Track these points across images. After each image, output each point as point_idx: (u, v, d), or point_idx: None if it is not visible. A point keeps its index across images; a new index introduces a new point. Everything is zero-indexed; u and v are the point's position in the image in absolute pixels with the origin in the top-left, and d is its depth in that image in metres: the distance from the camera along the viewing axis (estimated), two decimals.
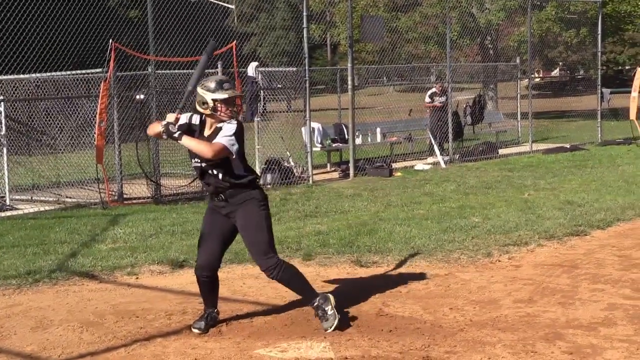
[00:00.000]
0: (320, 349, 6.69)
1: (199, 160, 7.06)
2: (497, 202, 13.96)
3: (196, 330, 7.21)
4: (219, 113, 7.02)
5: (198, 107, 7.09)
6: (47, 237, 11.92)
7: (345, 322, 7.26)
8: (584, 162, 20.63)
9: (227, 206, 7.19)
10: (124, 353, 6.72)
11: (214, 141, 6.94)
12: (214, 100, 6.98)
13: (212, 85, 7.02)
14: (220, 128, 7.02)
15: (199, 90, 7.06)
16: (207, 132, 7.12)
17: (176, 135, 6.92)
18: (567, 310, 7.64)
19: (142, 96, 15.78)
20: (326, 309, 7.22)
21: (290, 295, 8.10)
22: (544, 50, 38.68)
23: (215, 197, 7.23)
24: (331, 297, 7.34)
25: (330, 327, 7.13)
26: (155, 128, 7.06)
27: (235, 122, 7.08)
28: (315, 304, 7.26)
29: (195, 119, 7.18)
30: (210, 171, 7.09)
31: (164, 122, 6.96)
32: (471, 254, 10.11)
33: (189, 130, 7.10)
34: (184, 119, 7.16)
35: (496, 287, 8.56)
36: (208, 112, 7.03)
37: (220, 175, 7.07)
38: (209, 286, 7.40)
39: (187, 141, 6.95)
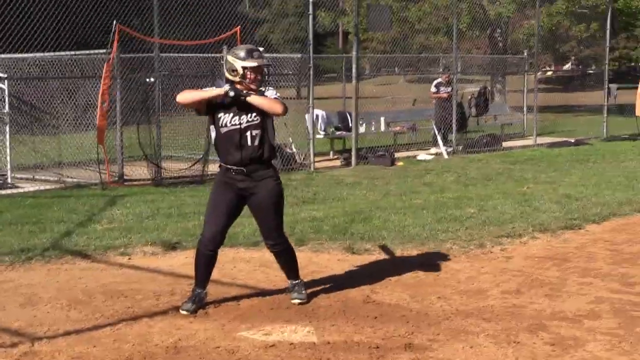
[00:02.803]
0: (303, 333, 6.73)
1: (239, 123, 7.16)
2: (495, 194, 13.95)
3: (184, 312, 7.23)
4: (247, 80, 7.16)
5: (227, 75, 7.27)
6: (44, 215, 11.95)
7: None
8: (587, 156, 20.62)
9: (245, 180, 7.27)
10: (109, 331, 6.76)
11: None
12: (244, 68, 7.13)
13: (242, 53, 7.19)
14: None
15: (229, 57, 7.25)
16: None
17: (244, 93, 7.10)
18: (553, 302, 7.67)
19: (152, 79, 15.81)
20: (303, 289, 7.64)
21: (279, 280, 8.14)
22: (555, 44, 38.57)
23: (236, 170, 7.25)
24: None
25: (301, 300, 7.54)
26: (216, 90, 7.19)
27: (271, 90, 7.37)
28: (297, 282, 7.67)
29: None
30: (250, 134, 7.20)
31: (225, 87, 7.14)
32: (464, 244, 10.12)
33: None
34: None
35: (485, 278, 8.59)
36: (237, 79, 7.18)
37: (256, 142, 7.22)
38: (209, 263, 7.44)
39: (256, 99, 7.15)
